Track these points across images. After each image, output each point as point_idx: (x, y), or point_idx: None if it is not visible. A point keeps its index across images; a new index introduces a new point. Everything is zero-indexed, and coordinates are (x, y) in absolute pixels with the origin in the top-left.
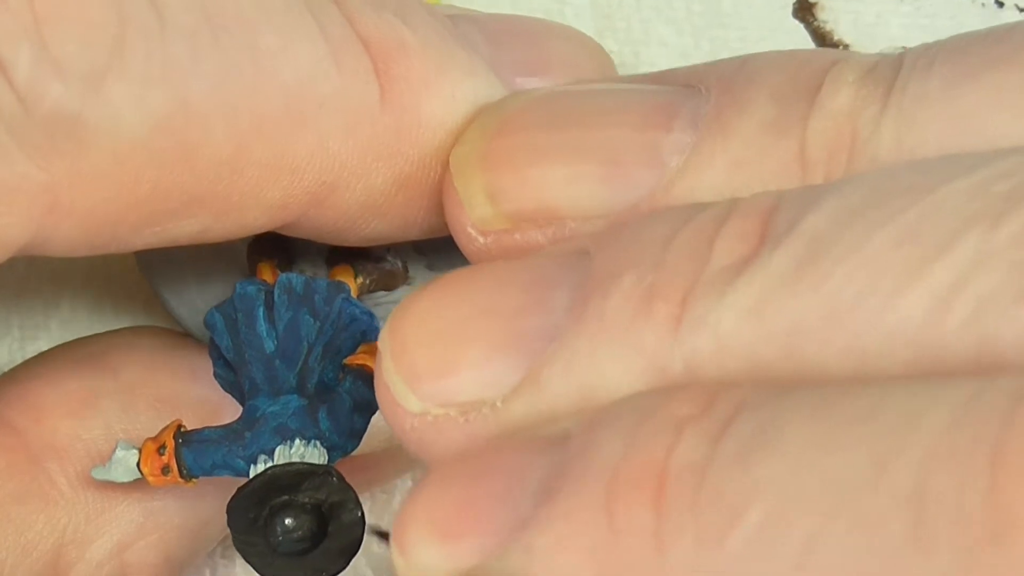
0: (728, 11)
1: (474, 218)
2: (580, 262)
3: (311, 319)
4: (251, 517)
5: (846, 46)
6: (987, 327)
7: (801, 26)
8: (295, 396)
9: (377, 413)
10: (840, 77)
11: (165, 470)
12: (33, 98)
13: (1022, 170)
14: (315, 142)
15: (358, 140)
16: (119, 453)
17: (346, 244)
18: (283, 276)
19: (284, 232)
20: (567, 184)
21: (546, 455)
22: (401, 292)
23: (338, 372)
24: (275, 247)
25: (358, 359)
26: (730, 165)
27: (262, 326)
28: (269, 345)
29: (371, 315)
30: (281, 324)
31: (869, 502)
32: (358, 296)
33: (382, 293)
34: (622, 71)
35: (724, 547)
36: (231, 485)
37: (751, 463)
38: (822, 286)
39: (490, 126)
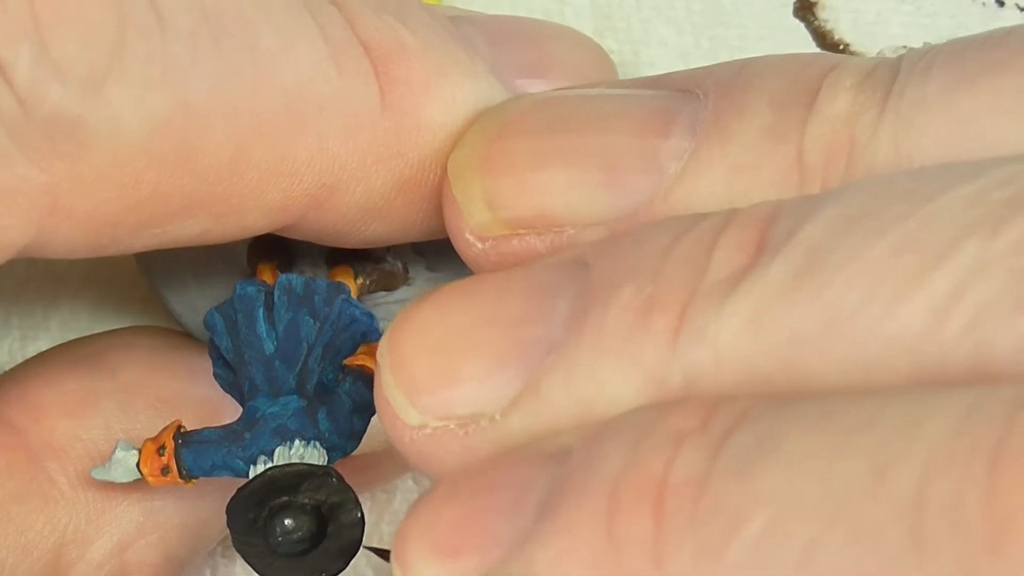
0: (728, 10)
1: (472, 224)
2: (579, 272)
3: (311, 320)
4: (251, 518)
5: (846, 45)
6: (985, 335)
7: (801, 25)
8: (295, 397)
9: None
10: (838, 82)
11: (165, 471)
12: (33, 100)
13: (1020, 178)
14: (315, 144)
15: (358, 143)
16: (119, 453)
17: (345, 246)
18: (283, 277)
19: (283, 234)
20: (566, 190)
21: (547, 470)
22: (401, 293)
23: (338, 373)
24: (275, 248)
25: (358, 360)
26: (728, 171)
27: (262, 327)
28: (269, 346)
29: (371, 316)
30: (281, 325)
31: (868, 511)
32: (358, 297)
33: (382, 294)
34: (622, 71)
35: (724, 559)
36: (231, 485)
37: (750, 475)
38: (820, 296)
39: (488, 131)
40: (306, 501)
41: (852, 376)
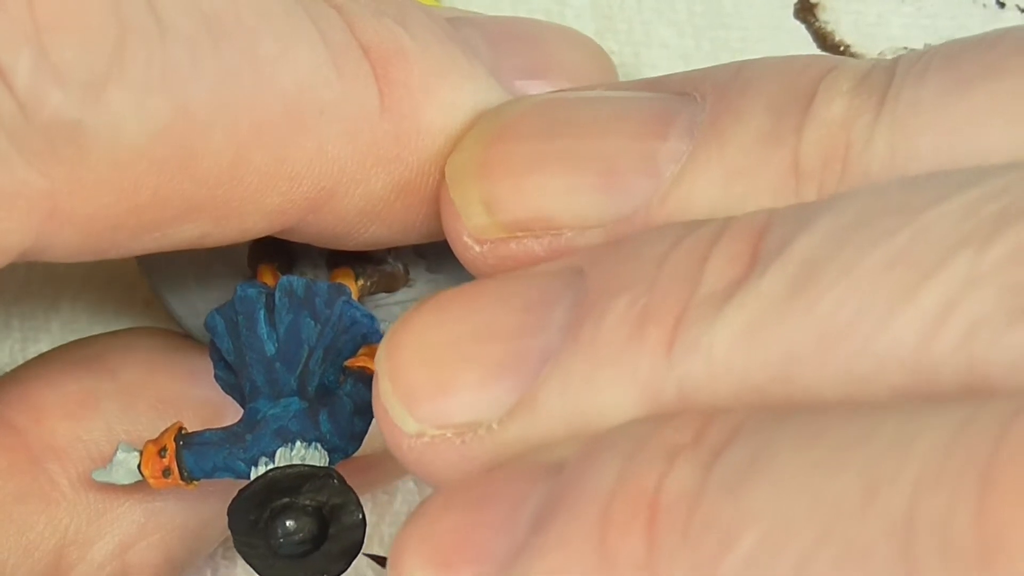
0: (729, 12)
1: (470, 227)
2: (576, 280)
3: (312, 322)
4: (252, 519)
5: (847, 47)
6: (978, 350)
7: (802, 27)
8: (296, 399)
9: None
10: (834, 86)
11: (166, 472)
12: (33, 105)
13: (1012, 190)
14: (314, 148)
15: (357, 146)
16: (120, 455)
17: (345, 249)
18: (284, 279)
19: (283, 237)
20: (564, 193)
21: (541, 483)
22: (402, 294)
23: (339, 375)
24: (276, 250)
25: (359, 361)
26: (725, 174)
27: (263, 329)
28: (270, 348)
29: (372, 317)
30: (282, 327)
31: (859, 528)
32: (359, 298)
33: (383, 295)
34: (623, 72)
35: (716, 575)
36: (232, 486)
37: (743, 490)
38: (813, 309)
39: (486, 134)
40: (307, 502)
41: (846, 389)
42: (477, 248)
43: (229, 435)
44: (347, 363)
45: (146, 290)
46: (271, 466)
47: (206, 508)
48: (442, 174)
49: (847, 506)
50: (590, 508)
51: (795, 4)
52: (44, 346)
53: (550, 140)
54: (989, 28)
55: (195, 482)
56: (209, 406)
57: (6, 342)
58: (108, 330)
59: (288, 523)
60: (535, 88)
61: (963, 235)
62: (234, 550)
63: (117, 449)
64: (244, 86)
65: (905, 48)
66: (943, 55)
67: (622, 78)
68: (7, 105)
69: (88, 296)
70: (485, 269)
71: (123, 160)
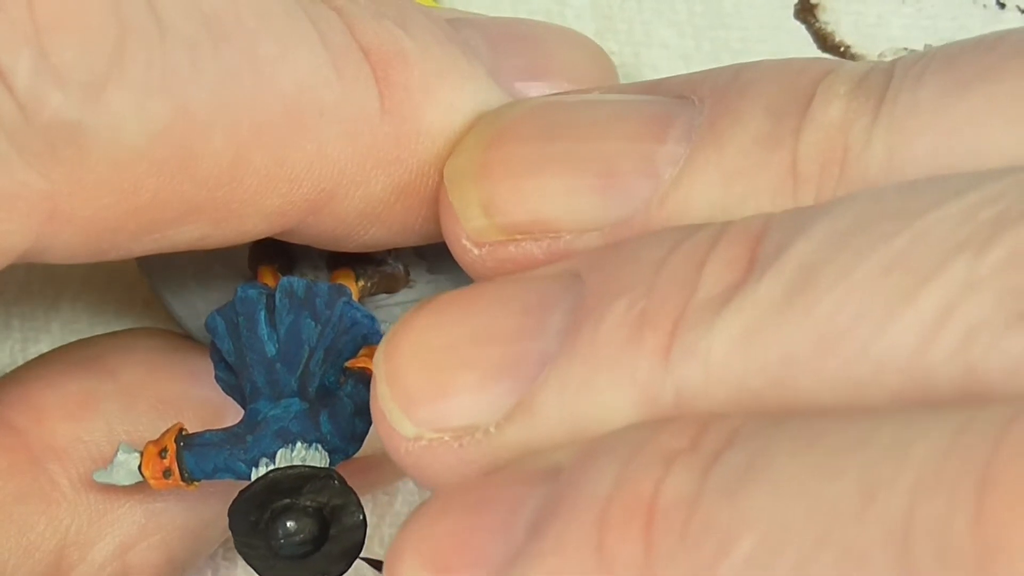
0: (729, 12)
1: (469, 230)
2: (574, 284)
3: (312, 323)
4: (253, 520)
5: (847, 47)
6: (975, 355)
7: (802, 27)
8: (296, 400)
9: None
10: (832, 88)
11: (167, 473)
12: (33, 106)
13: (1009, 194)
14: (314, 150)
15: (357, 148)
16: (120, 456)
17: (345, 250)
18: (284, 280)
19: (283, 238)
20: (562, 196)
21: (539, 488)
22: (402, 295)
23: (339, 376)
24: (276, 251)
25: (359, 362)
26: (724, 177)
27: (263, 330)
28: (270, 349)
29: (372, 318)
30: (282, 328)
31: (856, 533)
32: (359, 299)
33: (383, 296)
34: (623, 73)
35: None
36: (233, 487)
37: (740, 495)
38: (810, 314)
39: (484, 137)
40: (308, 503)
41: (843, 394)
42: (476, 251)
43: (230, 436)
44: (348, 364)
45: (146, 291)
46: (272, 467)
47: (207, 509)
48: (442, 176)
49: (845, 510)
50: (587, 512)
51: (795, 5)
52: (44, 347)
53: (549, 143)
54: (989, 29)
55: (196, 483)
56: (210, 407)
57: (6, 343)
58: (108, 331)
59: (289, 524)
60: (535, 89)
61: (961, 239)
62: (235, 551)
63: (118, 450)
64: (244, 87)
65: (905, 49)
66: (941, 57)
67: (622, 79)
68: (7, 106)
69: (88, 297)
70: (484, 272)
71: (123, 161)
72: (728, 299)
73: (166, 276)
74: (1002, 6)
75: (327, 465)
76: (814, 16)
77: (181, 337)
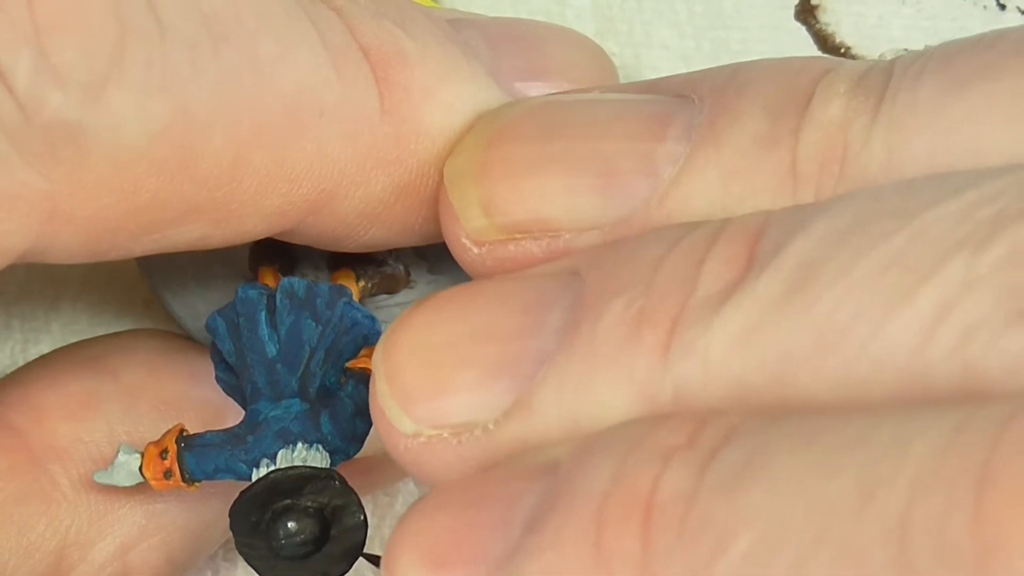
0: (730, 13)
1: (468, 229)
2: (573, 282)
3: (313, 323)
4: (253, 521)
5: (848, 48)
6: (973, 354)
7: (803, 28)
8: (297, 400)
9: None
10: (831, 87)
11: (167, 474)
12: (33, 106)
13: (1008, 192)
14: (314, 150)
15: (357, 148)
16: (121, 457)
17: (345, 250)
18: (285, 280)
19: (283, 238)
20: (562, 195)
21: (536, 483)
22: (403, 296)
23: (340, 376)
24: (277, 251)
25: (360, 363)
26: (723, 176)
27: (264, 330)
28: (271, 349)
29: (373, 319)
30: (283, 328)
31: (855, 531)
32: (360, 300)
33: (384, 297)
34: (623, 73)
35: None
36: (234, 488)
37: (738, 492)
38: (809, 312)
39: (484, 137)
40: (309, 504)
41: (842, 392)
42: (475, 250)
43: (230, 437)
44: (348, 364)
45: (147, 291)
46: (272, 467)
47: (207, 510)
48: (441, 176)
49: (843, 508)
50: (585, 508)
51: (796, 5)
52: (45, 347)
53: (548, 142)
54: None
55: (196, 484)
56: (210, 407)
57: (7, 343)
58: (109, 331)
59: (290, 524)
60: (535, 89)
61: (959, 238)
62: (235, 552)
63: (118, 451)
64: (244, 87)
65: (906, 50)
66: (940, 56)
67: (623, 79)
68: (7, 106)
69: (89, 297)
70: (483, 271)
71: (123, 161)
72: (727, 297)
73: (166, 277)
74: (1002, 7)
75: (328, 465)
76: (815, 17)
77: (182, 338)
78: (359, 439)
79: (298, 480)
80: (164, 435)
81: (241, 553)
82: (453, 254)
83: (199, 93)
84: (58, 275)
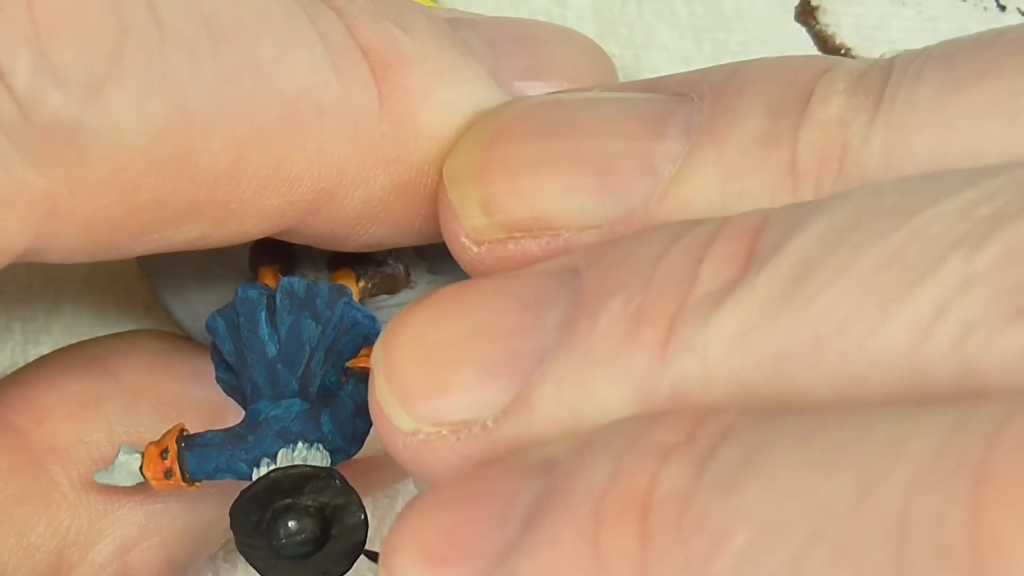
0: (730, 14)
1: (468, 228)
2: (572, 280)
3: (313, 323)
4: (254, 520)
5: (848, 49)
6: (971, 352)
7: (803, 29)
8: (297, 400)
9: None
10: (830, 86)
11: (168, 474)
12: (33, 106)
13: (1006, 191)
14: (314, 150)
15: (357, 148)
16: (121, 457)
17: (345, 250)
18: (285, 280)
19: (282, 238)
20: (561, 194)
21: (534, 481)
22: (403, 296)
23: (340, 376)
24: (277, 251)
25: (360, 362)
26: (722, 175)
27: (264, 330)
28: (271, 349)
29: (373, 319)
30: (283, 328)
31: (852, 529)
32: (360, 300)
33: (384, 297)
34: (623, 75)
35: (708, 573)
36: (234, 488)
37: (735, 489)
38: (807, 310)
39: (483, 136)
40: (309, 503)
41: (840, 390)
42: (475, 249)
43: (231, 436)
44: (348, 364)
45: (147, 292)
46: (273, 467)
47: (208, 509)
48: (441, 175)
49: (840, 506)
50: (583, 505)
51: (796, 7)
52: (45, 348)
53: (547, 141)
54: None
55: (197, 483)
56: (211, 407)
57: (7, 344)
58: (110, 332)
59: (290, 524)
60: (534, 89)
61: (957, 236)
62: (235, 552)
63: (119, 451)
64: (243, 87)
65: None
66: (939, 54)
67: (623, 80)
68: (7, 106)
69: (89, 298)
70: (483, 270)
71: (123, 161)
72: (726, 295)
73: (166, 277)
74: (1003, 8)
75: (328, 465)
76: (815, 18)
77: (182, 338)
78: (359, 438)
79: (299, 479)
80: (164, 435)
81: (242, 553)
82: (452, 253)
83: (198, 93)
84: (59, 276)
